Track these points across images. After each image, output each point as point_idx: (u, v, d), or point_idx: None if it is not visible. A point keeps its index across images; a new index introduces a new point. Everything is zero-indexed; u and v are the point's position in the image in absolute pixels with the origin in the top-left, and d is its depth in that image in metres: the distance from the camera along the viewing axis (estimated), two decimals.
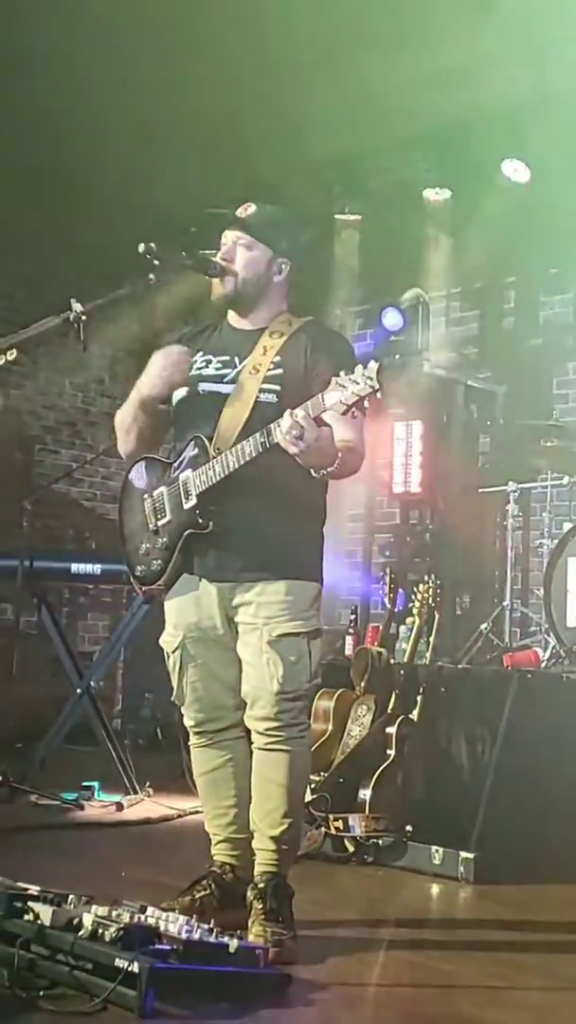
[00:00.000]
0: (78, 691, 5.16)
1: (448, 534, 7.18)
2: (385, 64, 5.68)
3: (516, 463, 6.56)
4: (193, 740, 3.23)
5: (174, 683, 3.19)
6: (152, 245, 3.02)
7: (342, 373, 2.73)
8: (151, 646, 3.25)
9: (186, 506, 3.06)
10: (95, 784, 5.00)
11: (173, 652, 3.17)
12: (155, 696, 6.68)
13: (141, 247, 3.02)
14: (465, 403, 7.34)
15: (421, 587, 4.61)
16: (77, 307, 2.96)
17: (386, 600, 4.81)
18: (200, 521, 3.03)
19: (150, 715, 6.91)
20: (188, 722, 3.22)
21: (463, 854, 3.87)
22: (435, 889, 3.85)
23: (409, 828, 4.08)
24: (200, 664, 3.15)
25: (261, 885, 3.01)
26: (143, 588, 3.25)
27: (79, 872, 3.64)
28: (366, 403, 2.73)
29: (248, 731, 3.12)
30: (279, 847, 3.03)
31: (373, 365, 2.69)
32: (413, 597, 4.63)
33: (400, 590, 4.84)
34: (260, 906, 2.95)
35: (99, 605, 7.82)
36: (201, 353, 3.19)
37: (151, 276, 3.04)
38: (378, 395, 2.69)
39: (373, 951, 3.00)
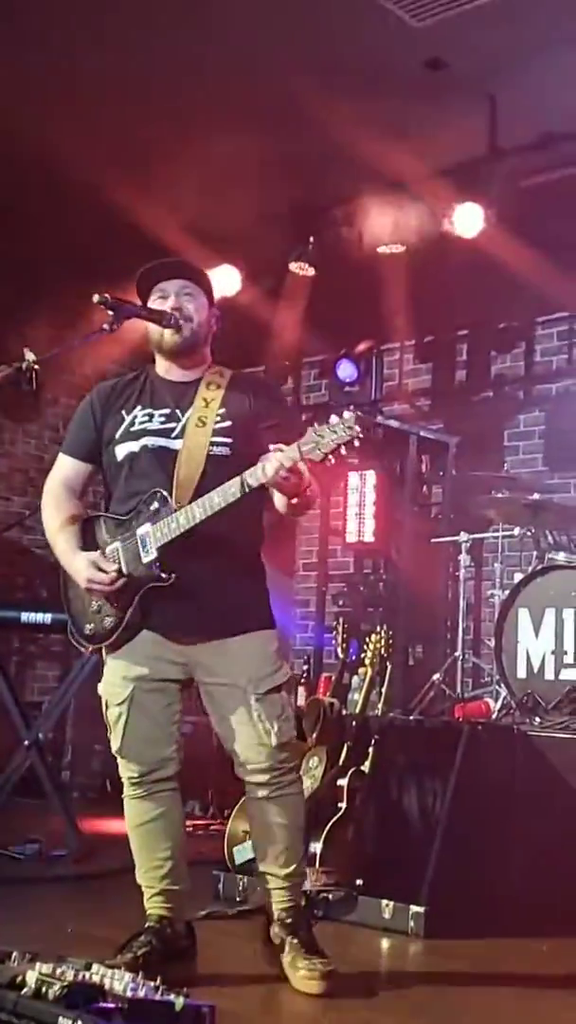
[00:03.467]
0: (26, 743, 5.09)
1: (401, 584, 7.21)
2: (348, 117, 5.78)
3: (468, 514, 6.62)
4: (129, 791, 3.21)
5: (116, 735, 3.17)
6: (107, 296, 3.04)
7: (315, 424, 2.79)
8: (100, 698, 3.22)
9: (144, 560, 3.04)
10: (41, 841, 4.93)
11: (119, 704, 3.15)
12: (105, 748, 6.58)
13: (96, 297, 3.04)
14: (418, 454, 7.41)
15: (374, 637, 4.61)
16: (30, 356, 2.97)
17: (339, 650, 4.80)
18: (162, 576, 3.01)
19: (99, 767, 6.83)
20: (127, 774, 3.20)
21: (413, 908, 3.84)
22: (385, 943, 3.82)
23: (359, 882, 4.05)
24: (147, 715, 3.14)
25: (289, 921, 3.14)
26: (91, 646, 3.22)
27: (24, 928, 3.57)
28: (343, 450, 2.77)
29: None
30: (292, 883, 3.18)
31: (349, 414, 2.75)
32: (366, 647, 4.62)
33: (353, 640, 4.84)
34: (295, 941, 3.10)
35: (49, 655, 7.74)
36: (140, 407, 3.18)
37: (105, 326, 3.06)
38: (356, 443, 2.75)
39: (322, 1006, 2.96)
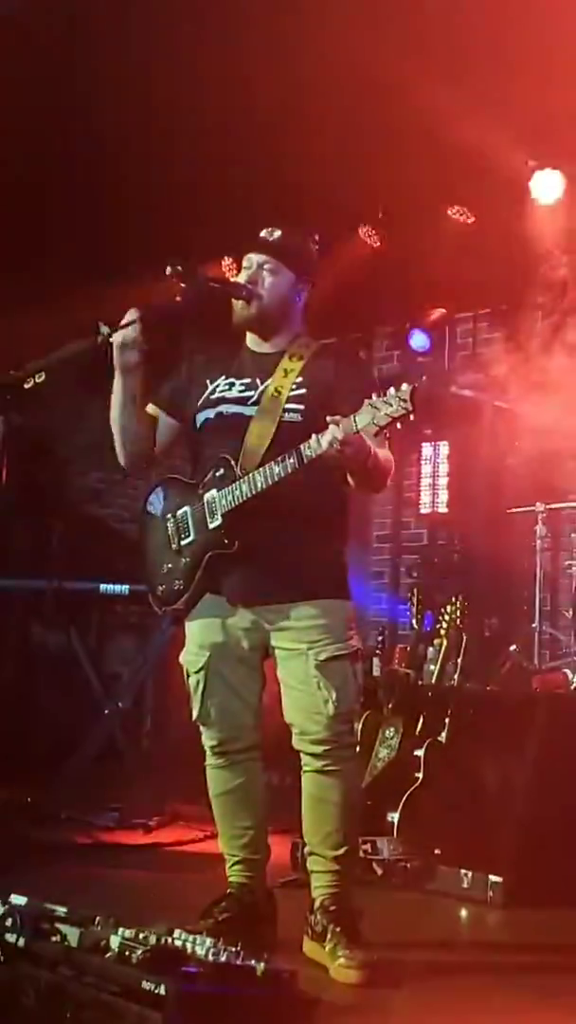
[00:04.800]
0: (106, 712, 5.17)
1: (476, 555, 7.15)
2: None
3: (544, 484, 6.54)
4: (211, 760, 3.23)
5: (195, 703, 3.19)
6: (179, 266, 3.05)
7: (374, 395, 2.74)
8: (180, 667, 3.25)
9: (211, 526, 3.07)
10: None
11: (196, 672, 3.18)
12: (183, 717, 6.67)
13: (168, 268, 3.04)
14: (492, 424, 7.32)
15: (449, 608, 4.60)
16: (105, 329, 2.99)
17: (413, 621, 4.80)
18: (225, 541, 3.04)
19: (178, 737, 6.90)
20: (209, 742, 3.22)
21: (492, 877, 3.83)
22: (464, 913, 3.82)
23: (438, 851, 4.05)
24: (224, 684, 3.15)
25: (333, 908, 3.04)
26: (163, 608, 3.26)
27: (106, 893, 3.63)
28: (398, 425, 2.74)
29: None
30: (342, 867, 3.07)
31: (406, 387, 2.70)
32: (441, 618, 4.62)
33: (428, 611, 4.83)
34: (338, 930, 2.99)
35: (127, 626, 7.80)
36: (224, 376, 3.20)
37: (177, 296, 3.07)
38: (411, 417, 2.70)
39: (401, 975, 2.98)
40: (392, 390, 2.71)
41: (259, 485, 2.96)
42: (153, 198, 6.32)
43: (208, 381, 3.22)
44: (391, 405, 2.71)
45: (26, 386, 2.90)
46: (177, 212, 6.35)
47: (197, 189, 6.36)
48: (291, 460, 2.90)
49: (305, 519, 3.07)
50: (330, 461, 2.84)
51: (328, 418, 2.79)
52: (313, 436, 2.84)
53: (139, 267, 4.40)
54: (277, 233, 3.21)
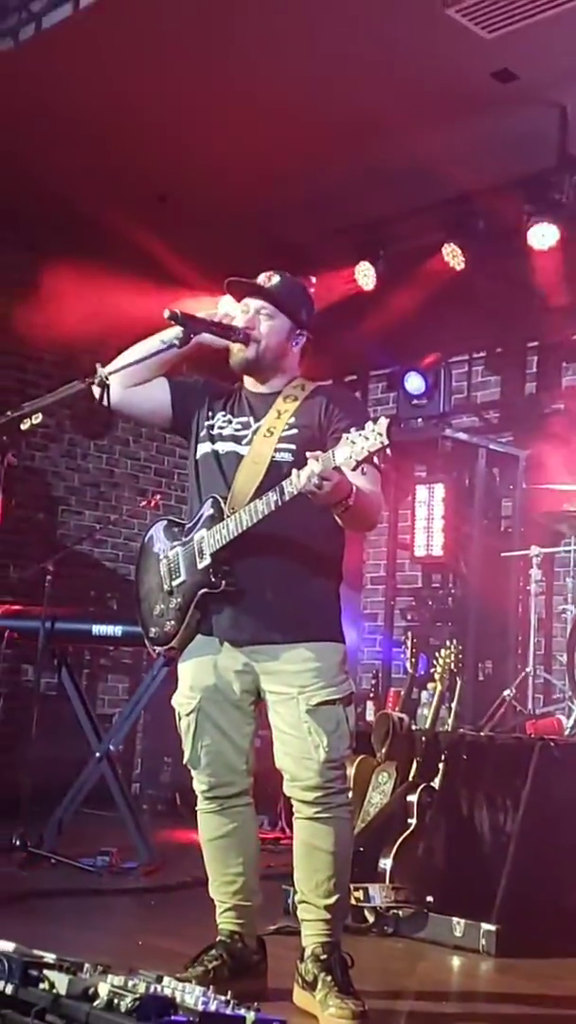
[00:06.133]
0: (97, 755, 5.14)
1: (470, 598, 7.15)
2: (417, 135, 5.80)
3: (539, 528, 6.55)
4: (202, 805, 3.20)
5: (187, 746, 3.17)
6: (177, 311, 3.07)
7: (352, 430, 2.74)
8: (171, 710, 3.24)
9: (200, 566, 3.08)
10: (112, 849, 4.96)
11: (188, 715, 3.16)
12: (174, 760, 6.63)
13: (167, 312, 3.06)
14: (487, 467, 7.36)
15: (443, 652, 4.58)
16: (102, 371, 3.01)
17: (408, 665, 4.78)
18: (213, 580, 3.04)
19: (169, 780, 6.87)
20: (200, 787, 3.19)
21: (484, 926, 3.80)
22: (456, 961, 3.78)
23: (430, 899, 4.02)
24: (215, 727, 3.13)
25: (324, 957, 3.00)
26: (155, 650, 3.26)
27: (95, 940, 3.60)
28: (376, 459, 2.74)
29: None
30: (334, 916, 3.03)
31: (383, 420, 2.70)
32: (435, 662, 4.59)
33: (422, 655, 4.81)
34: (329, 979, 2.95)
35: (119, 667, 7.80)
36: (223, 413, 3.23)
37: (176, 340, 3.09)
38: (388, 451, 2.70)
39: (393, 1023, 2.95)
40: (370, 424, 2.70)
41: (244, 523, 2.96)
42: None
43: (210, 412, 3.24)
44: (368, 439, 2.70)
45: (23, 427, 2.90)
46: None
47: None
48: (274, 497, 2.89)
49: (296, 559, 3.07)
50: (313, 498, 2.80)
51: (308, 454, 2.79)
52: (294, 472, 2.84)
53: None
54: (275, 279, 3.23)
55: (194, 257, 6.39)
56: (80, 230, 6.44)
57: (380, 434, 2.68)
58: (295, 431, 3.10)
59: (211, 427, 3.22)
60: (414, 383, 7.51)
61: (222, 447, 3.17)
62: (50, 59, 5.48)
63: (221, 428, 3.20)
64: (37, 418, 2.90)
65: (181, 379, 3.34)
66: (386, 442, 2.68)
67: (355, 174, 6.31)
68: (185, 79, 5.62)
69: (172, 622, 3.15)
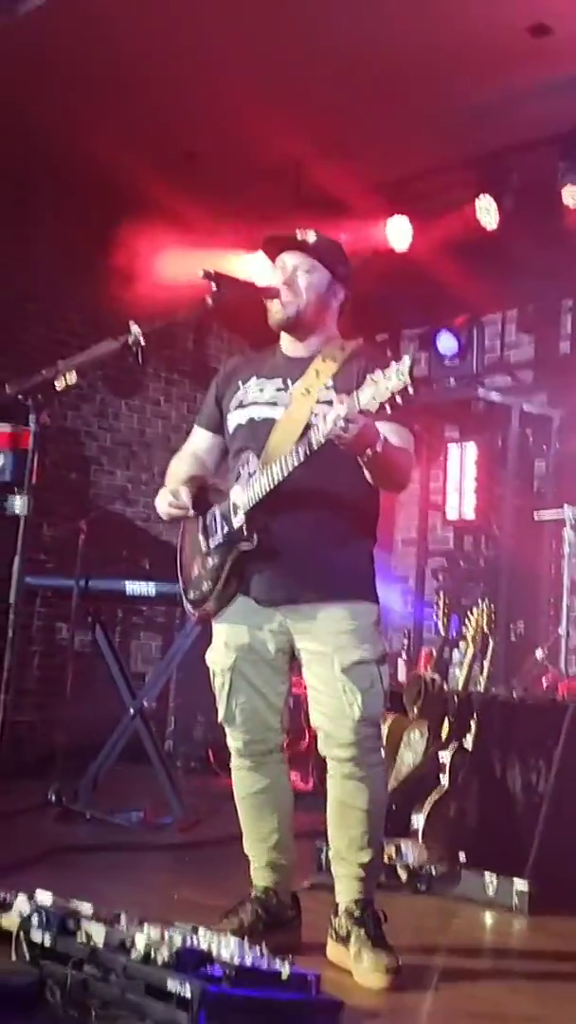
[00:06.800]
0: (131, 711, 5.18)
1: (502, 559, 7.12)
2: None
3: (572, 488, 6.50)
4: (236, 762, 3.22)
5: (221, 703, 3.19)
6: (211, 270, 3.05)
7: (376, 370, 2.71)
8: (204, 668, 3.25)
9: (235, 525, 3.07)
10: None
11: (223, 672, 3.17)
12: (207, 718, 6.68)
13: (200, 271, 3.05)
14: (520, 427, 7.30)
15: (475, 612, 4.56)
16: (136, 329, 2.99)
17: (439, 625, 4.77)
18: (247, 537, 3.03)
19: (202, 737, 6.92)
20: (234, 743, 3.21)
21: (517, 883, 3.82)
22: (488, 918, 3.81)
23: (463, 857, 4.04)
24: (250, 685, 3.15)
25: (358, 913, 3.03)
26: (193, 613, 3.26)
27: (131, 893, 3.64)
28: (399, 399, 2.69)
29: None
30: (368, 872, 3.06)
31: (406, 360, 2.67)
32: (467, 623, 4.58)
33: (454, 615, 4.80)
34: (363, 934, 2.98)
35: (153, 625, 7.85)
36: (255, 378, 3.20)
37: (208, 300, 3.07)
38: (410, 390, 2.66)
39: (426, 980, 2.97)
40: (393, 364, 2.68)
41: (276, 477, 2.95)
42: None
43: (240, 383, 3.22)
44: (390, 380, 2.67)
45: (57, 386, 2.90)
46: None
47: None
48: (302, 448, 2.88)
49: (332, 519, 3.06)
50: (339, 442, 2.77)
51: (333, 397, 2.76)
52: (319, 418, 2.82)
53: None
54: (311, 234, 3.20)
55: (224, 215, 6.35)
56: (106, 190, 6.41)
57: (403, 374, 2.65)
58: (333, 394, 3.07)
59: (243, 396, 3.19)
60: (446, 343, 7.43)
61: (256, 412, 3.15)
62: (72, 16, 5.42)
63: (256, 396, 3.17)
64: (72, 377, 2.90)
65: (206, 411, 3.36)
66: (408, 381, 2.65)
67: (389, 127, 6.23)
68: (208, 31, 5.55)
69: (208, 582, 3.15)
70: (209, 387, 3.39)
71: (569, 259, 6.71)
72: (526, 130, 6.19)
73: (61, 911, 2.59)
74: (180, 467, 3.32)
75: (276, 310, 3.16)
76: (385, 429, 2.88)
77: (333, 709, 3.02)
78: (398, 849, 4.04)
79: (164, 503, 3.18)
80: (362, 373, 3.03)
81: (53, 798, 4.84)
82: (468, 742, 4.30)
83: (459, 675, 4.52)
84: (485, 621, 4.56)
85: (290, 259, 3.18)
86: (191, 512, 3.12)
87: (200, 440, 3.36)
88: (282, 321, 3.17)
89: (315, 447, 2.84)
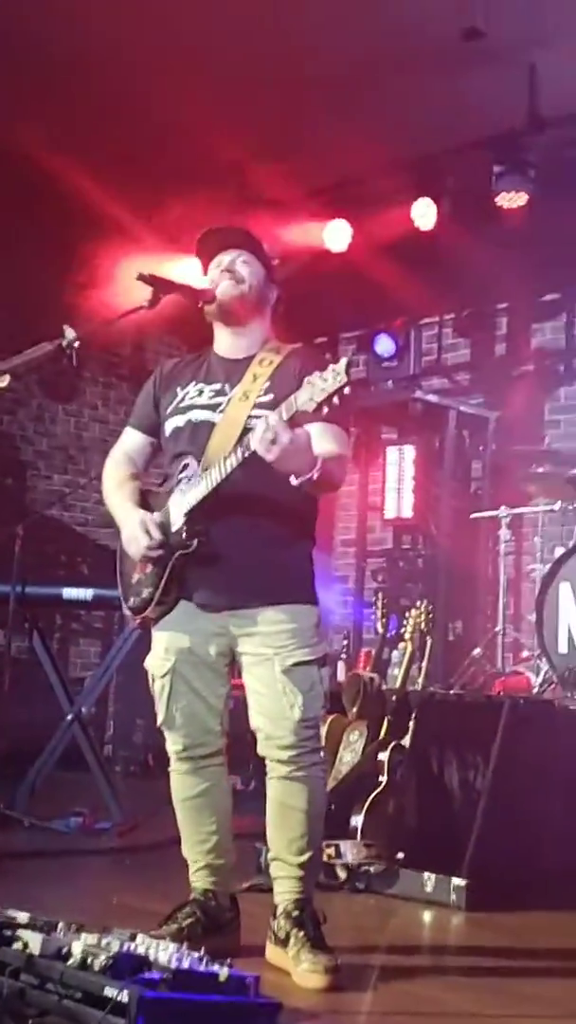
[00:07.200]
0: (69, 717, 5.15)
1: (440, 559, 7.19)
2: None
3: (508, 489, 6.59)
4: (176, 766, 3.21)
5: (160, 708, 3.18)
6: (147, 273, 3.04)
7: (315, 372, 2.73)
8: (143, 672, 3.24)
9: (173, 529, 3.07)
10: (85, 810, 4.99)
11: (162, 677, 3.16)
12: (146, 722, 6.66)
13: (136, 274, 3.03)
14: (457, 429, 7.37)
15: (413, 612, 4.60)
16: (70, 333, 2.97)
17: (378, 625, 4.80)
18: (186, 541, 3.03)
19: (141, 741, 6.89)
20: (174, 747, 3.20)
21: (455, 881, 3.85)
22: (427, 916, 3.83)
23: (401, 855, 4.06)
24: (191, 689, 3.14)
25: (296, 913, 3.03)
26: (136, 618, 3.24)
27: (69, 900, 3.61)
28: (335, 400, 2.71)
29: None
30: (306, 873, 3.06)
31: (343, 361, 2.70)
32: (405, 622, 4.62)
33: (392, 615, 4.84)
34: (302, 935, 2.98)
35: (91, 631, 7.81)
36: (194, 383, 3.20)
37: (145, 303, 3.06)
38: (346, 390, 2.69)
39: (365, 979, 2.98)
40: (331, 366, 2.71)
41: (214, 480, 2.95)
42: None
43: (178, 388, 3.21)
44: (327, 380, 2.70)
45: None
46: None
47: None
48: (240, 452, 2.89)
49: (270, 522, 3.06)
50: (269, 457, 2.75)
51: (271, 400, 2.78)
52: (258, 422, 2.83)
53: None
54: (240, 230, 3.23)
55: (163, 219, 6.33)
56: (46, 191, 6.36)
57: (339, 373, 2.68)
58: (270, 396, 3.06)
59: (180, 400, 3.18)
60: (384, 345, 7.50)
61: (194, 416, 3.14)
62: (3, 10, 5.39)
63: (193, 399, 3.16)
64: (4, 380, 2.87)
65: (140, 412, 3.34)
66: (345, 380, 2.68)
67: (327, 131, 6.26)
68: (147, 34, 5.55)
69: (149, 589, 3.14)
70: (143, 388, 3.37)
71: (504, 262, 6.79)
72: (462, 134, 6.26)
73: None
74: (116, 471, 3.31)
75: (224, 287, 3.14)
76: (321, 430, 2.89)
77: (273, 710, 3.03)
78: (337, 849, 4.05)
79: (140, 548, 3.10)
80: (300, 375, 3.05)
81: None
82: (406, 741, 4.33)
83: (398, 674, 4.55)
84: (423, 621, 4.59)
85: (227, 255, 3.19)
86: (150, 540, 3.08)
87: (132, 441, 3.35)
88: (232, 298, 3.15)
89: (248, 453, 2.85)
